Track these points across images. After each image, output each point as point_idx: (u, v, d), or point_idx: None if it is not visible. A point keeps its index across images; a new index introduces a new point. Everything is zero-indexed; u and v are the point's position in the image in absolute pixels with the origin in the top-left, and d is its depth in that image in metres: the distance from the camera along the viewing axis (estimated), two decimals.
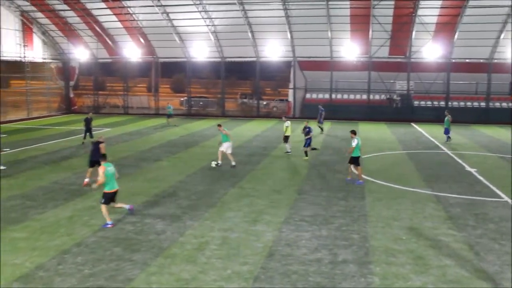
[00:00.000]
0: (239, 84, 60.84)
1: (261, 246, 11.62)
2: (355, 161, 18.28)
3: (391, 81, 42.79)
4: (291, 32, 40.82)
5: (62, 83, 49.33)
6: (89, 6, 41.20)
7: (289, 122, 25.03)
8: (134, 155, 24.35)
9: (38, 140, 29.07)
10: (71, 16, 43.07)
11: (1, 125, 37.40)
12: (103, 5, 40.62)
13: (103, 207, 13.11)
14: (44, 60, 46.57)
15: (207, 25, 41.28)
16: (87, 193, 16.60)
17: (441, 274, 10.06)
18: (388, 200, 15.93)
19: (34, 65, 44.73)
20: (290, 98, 45.04)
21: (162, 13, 40.60)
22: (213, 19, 40.99)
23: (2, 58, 40.37)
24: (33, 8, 42.11)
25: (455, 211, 14.72)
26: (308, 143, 23.13)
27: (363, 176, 18.74)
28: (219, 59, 45.01)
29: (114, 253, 11.17)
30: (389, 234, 12.55)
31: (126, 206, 14.05)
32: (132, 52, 45.32)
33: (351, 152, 18.26)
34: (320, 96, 44.43)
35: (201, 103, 50.31)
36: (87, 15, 42.26)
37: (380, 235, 12.50)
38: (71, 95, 49.93)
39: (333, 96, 44.13)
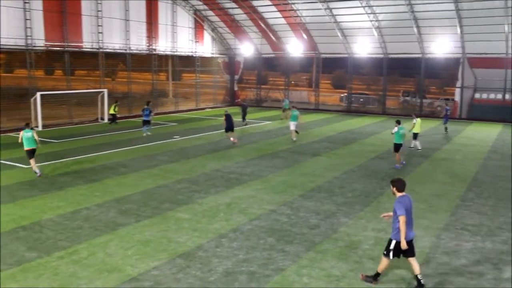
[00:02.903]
0: (402, 82, 58.48)
1: (416, 252, 11.02)
2: (397, 147, 20.59)
3: None
4: (461, 26, 38.13)
5: (227, 76, 52.25)
6: (255, 3, 42.84)
7: (418, 119, 24.66)
8: (292, 148, 24.82)
9: (203, 130, 31.08)
10: (239, 14, 45.24)
11: (173, 114, 40.79)
12: (268, 2, 41.94)
13: (31, 161, 17.78)
14: (212, 55, 49.67)
15: (371, 21, 40.43)
16: (247, 182, 17.34)
17: None
18: None
19: (204, 60, 47.99)
20: (457, 98, 42.24)
21: (326, 9, 40.68)
22: (377, 14, 40.01)
23: (177, 53, 44.00)
24: (205, 7, 45.10)
25: None
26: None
27: None
28: (381, 55, 43.87)
29: (268, 242, 11.49)
30: None
31: (37, 171, 17.76)
32: (294, 47, 46.25)
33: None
34: (492, 96, 40.88)
35: (361, 99, 49.46)
36: (253, 12, 44.01)
37: None
38: (235, 88, 52.66)
39: (507, 96, 40.38)
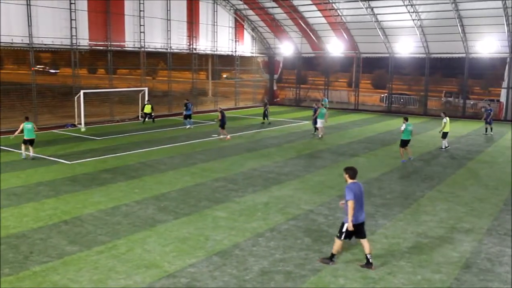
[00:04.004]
0: (444, 82, 57.22)
1: (457, 256, 10.81)
2: (404, 143, 21.58)
3: None
4: (508, 25, 36.95)
5: (267, 76, 52.29)
6: (295, 3, 42.71)
7: (447, 118, 24.57)
8: (331, 149, 24.63)
9: (242, 129, 31.21)
10: (279, 13, 45.19)
11: (212, 113, 41.09)
12: (309, 1, 41.74)
13: (22, 146, 20.62)
14: (252, 55, 49.80)
15: (413, 20, 39.67)
16: (284, 182, 17.31)
17: None
18: None
19: (243, 59, 48.19)
20: (502, 99, 40.98)
21: (367, 8, 40.20)
22: (419, 13, 39.25)
23: (217, 52, 44.34)
24: (245, 6, 45.27)
25: None
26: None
27: None
28: (423, 55, 43.00)
29: (304, 242, 11.45)
30: None
31: (24, 153, 20.64)
32: (334, 47, 45.89)
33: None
34: None
35: (401, 100, 48.65)
36: (293, 12, 43.89)
37: None
38: (275, 88, 52.64)
39: None
